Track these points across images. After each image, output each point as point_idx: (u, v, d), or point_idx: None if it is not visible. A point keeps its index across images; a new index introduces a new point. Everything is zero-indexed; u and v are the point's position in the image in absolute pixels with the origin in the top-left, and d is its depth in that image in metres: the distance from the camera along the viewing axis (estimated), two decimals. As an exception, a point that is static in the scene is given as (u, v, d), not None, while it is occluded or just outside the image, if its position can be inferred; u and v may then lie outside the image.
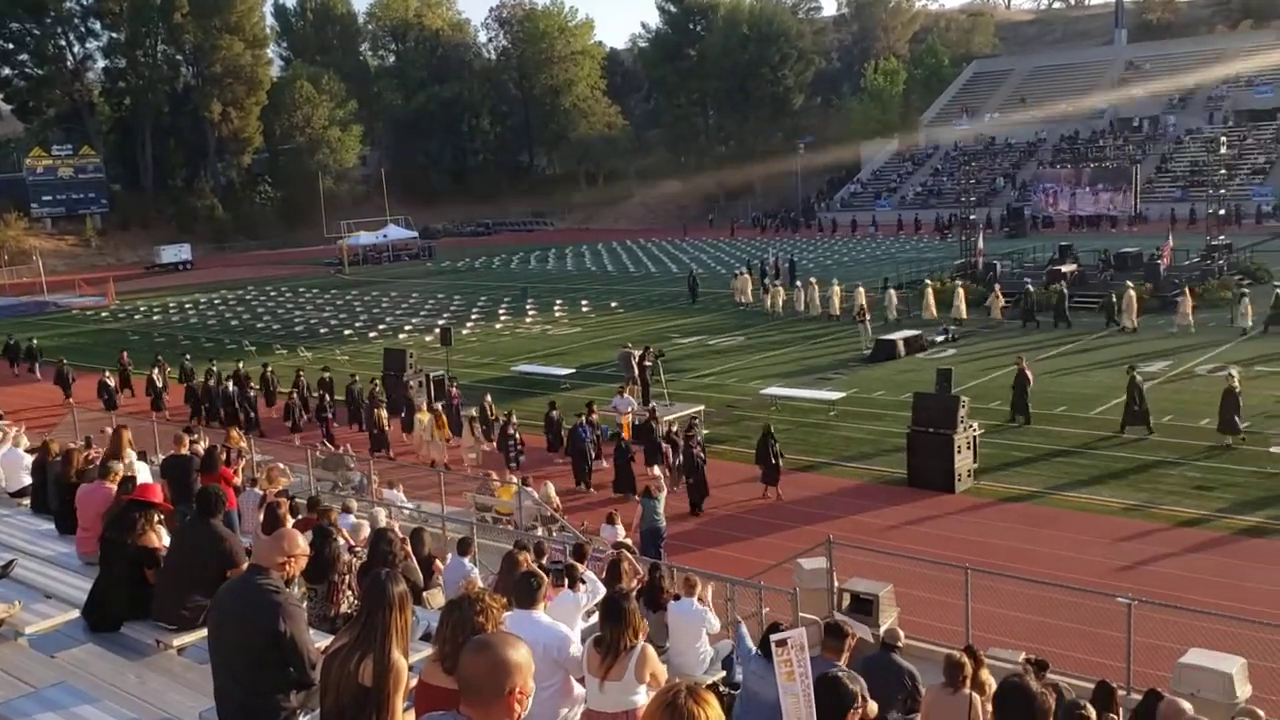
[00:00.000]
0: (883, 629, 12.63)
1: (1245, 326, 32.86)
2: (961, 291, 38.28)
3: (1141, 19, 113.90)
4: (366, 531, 10.83)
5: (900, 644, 9.75)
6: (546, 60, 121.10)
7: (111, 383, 32.24)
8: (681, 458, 20.81)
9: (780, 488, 20.59)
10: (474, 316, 48.55)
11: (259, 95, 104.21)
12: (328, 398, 27.70)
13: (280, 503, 10.31)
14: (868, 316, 36.02)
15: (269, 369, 31.72)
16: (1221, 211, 48.12)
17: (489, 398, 25.86)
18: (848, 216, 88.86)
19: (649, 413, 23.87)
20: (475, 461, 23.66)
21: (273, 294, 63.99)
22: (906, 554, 16.27)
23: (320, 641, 5.56)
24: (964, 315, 37.43)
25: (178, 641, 6.58)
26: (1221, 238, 45.46)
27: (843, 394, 27.57)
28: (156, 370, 32.30)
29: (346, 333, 46.24)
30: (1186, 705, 7.10)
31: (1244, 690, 10.93)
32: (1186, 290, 34.46)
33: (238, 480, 13.45)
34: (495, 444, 23.98)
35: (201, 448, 14.47)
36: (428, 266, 78.50)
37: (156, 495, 7.58)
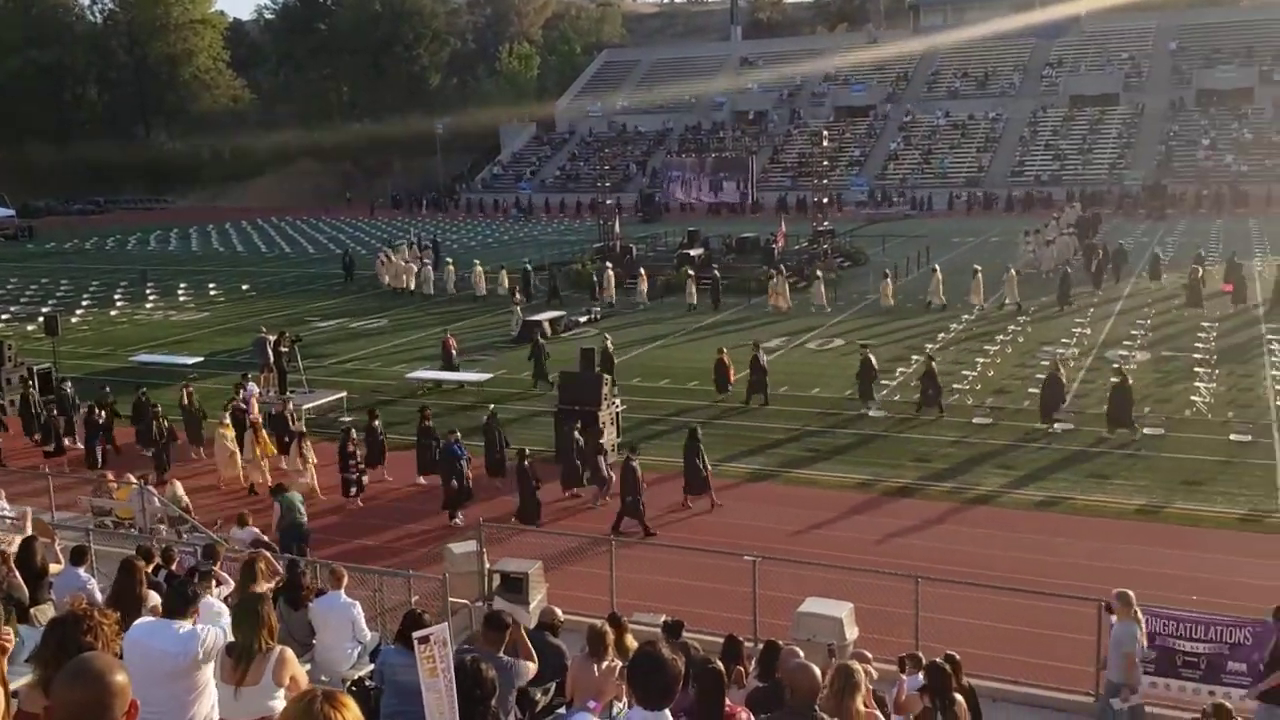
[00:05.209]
0: (532, 606, 12.88)
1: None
2: (610, 274, 39.36)
3: (754, 16, 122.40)
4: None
5: (557, 622, 9.81)
6: (162, 27, 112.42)
7: None
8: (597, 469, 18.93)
9: (712, 495, 18.55)
10: (85, 303, 44.34)
11: None
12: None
13: None
14: (519, 298, 36.41)
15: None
16: (825, 199, 52.53)
17: (290, 404, 22.34)
18: (490, 197, 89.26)
19: (283, 401, 22.84)
20: (312, 486, 19.43)
21: None
22: (556, 530, 16.68)
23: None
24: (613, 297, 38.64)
25: None
26: (826, 224, 49.61)
27: (490, 375, 27.73)
28: None
29: (-73, 324, 40.82)
30: (799, 651, 7.74)
31: (852, 632, 12.11)
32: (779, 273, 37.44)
33: None
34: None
35: None
36: (28, 248, 71.39)
37: None
